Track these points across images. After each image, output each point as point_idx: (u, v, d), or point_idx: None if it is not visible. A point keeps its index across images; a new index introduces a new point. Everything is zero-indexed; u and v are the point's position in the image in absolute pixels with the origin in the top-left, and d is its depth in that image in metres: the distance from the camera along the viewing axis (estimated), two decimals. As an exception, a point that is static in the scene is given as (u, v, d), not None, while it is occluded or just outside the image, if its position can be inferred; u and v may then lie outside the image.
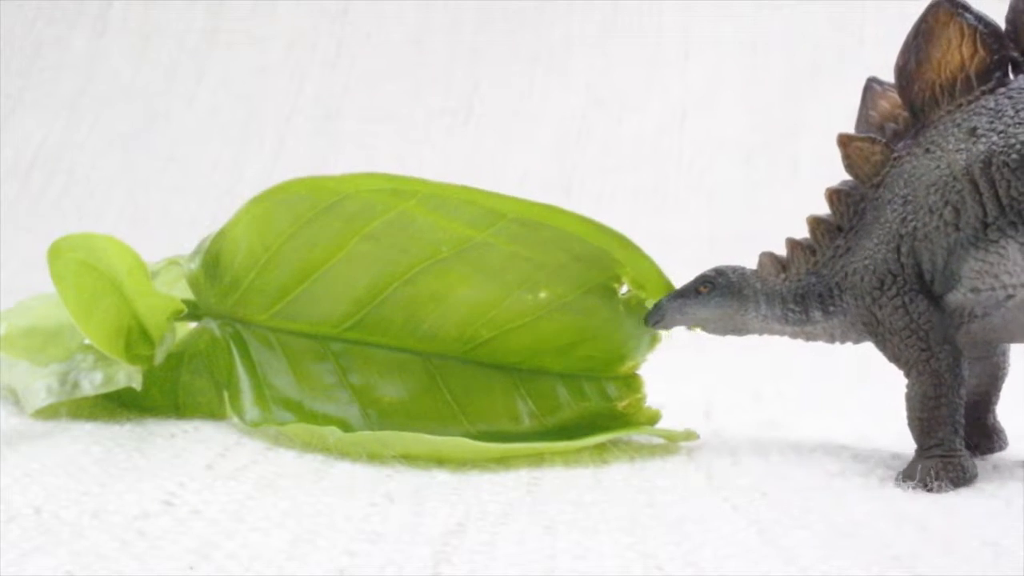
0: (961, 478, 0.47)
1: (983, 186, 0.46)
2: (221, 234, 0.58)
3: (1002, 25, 0.47)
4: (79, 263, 0.56)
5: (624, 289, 0.57)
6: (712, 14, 1.41)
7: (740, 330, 0.55)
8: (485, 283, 0.56)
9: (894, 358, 0.50)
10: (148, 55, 1.46)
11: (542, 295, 0.56)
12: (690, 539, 0.39)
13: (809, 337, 0.54)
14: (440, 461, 0.51)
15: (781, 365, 0.82)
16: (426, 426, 0.54)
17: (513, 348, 0.57)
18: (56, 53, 1.47)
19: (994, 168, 0.46)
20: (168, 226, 1.22)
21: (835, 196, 0.52)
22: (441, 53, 1.43)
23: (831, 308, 0.52)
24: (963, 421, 0.48)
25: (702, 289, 0.53)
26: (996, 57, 0.47)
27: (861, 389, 0.75)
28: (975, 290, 0.47)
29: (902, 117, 0.50)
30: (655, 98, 1.37)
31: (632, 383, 0.57)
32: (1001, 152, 0.45)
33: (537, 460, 0.52)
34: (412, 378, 0.57)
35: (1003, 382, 0.53)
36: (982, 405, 0.53)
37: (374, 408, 0.56)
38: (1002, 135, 0.45)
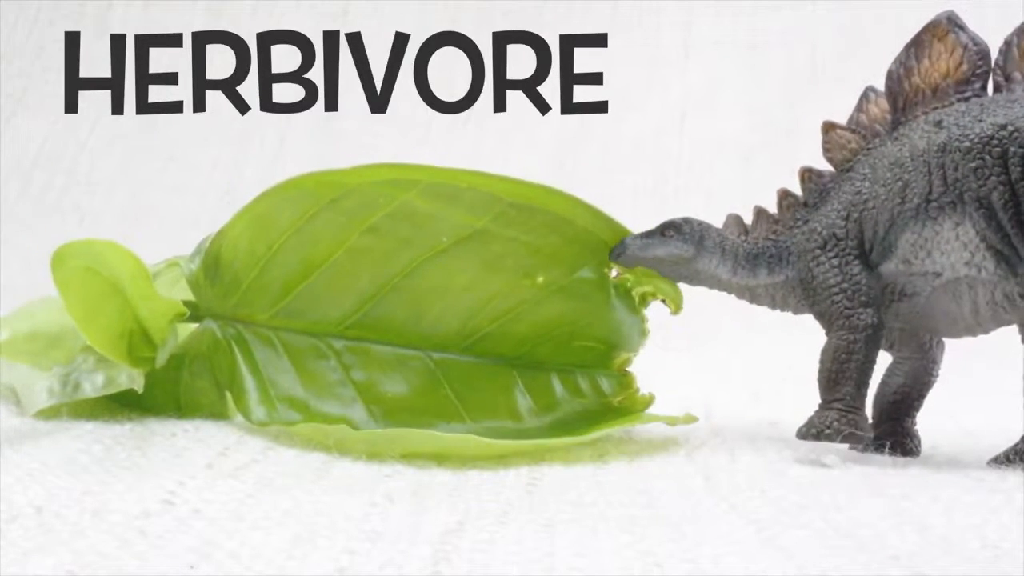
0: (854, 433, 0.50)
1: (934, 167, 0.50)
2: (221, 234, 0.58)
3: (993, 51, 0.51)
4: (83, 270, 0.56)
5: (614, 273, 0.58)
6: (712, 14, 1.41)
7: (691, 277, 0.57)
8: (485, 272, 0.57)
9: (819, 314, 0.53)
10: (148, 55, 1.46)
11: (539, 279, 0.57)
12: (689, 537, 0.39)
13: (752, 297, 0.57)
14: (445, 458, 0.51)
15: (781, 365, 0.82)
16: (429, 422, 0.55)
17: (512, 340, 0.57)
18: (57, 54, 1.47)
19: (947, 152, 0.49)
20: (168, 226, 1.22)
21: (807, 174, 0.56)
22: (441, 53, 1.43)
23: (776, 269, 0.55)
24: (868, 383, 0.52)
25: (667, 232, 0.56)
26: (979, 72, 0.50)
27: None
28: (907, 262, 0.51)
29: (887, 123, 0.53)
30: (655, 98, 1.37)
31: (624, 380, 0.58)
32: (956, 139, 0.49)
33: (536, 459, 0.52)
34: (414, 374, 0.57)
35: (928, 390, 0.56)
36: (904, 406, 0.55)
37: (378, 405, 0.56)
38: (961, 127, 0.49)
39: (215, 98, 1.44)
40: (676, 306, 0.58)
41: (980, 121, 0.49)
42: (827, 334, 0.53)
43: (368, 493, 0.45)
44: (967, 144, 0.49)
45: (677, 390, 0.62)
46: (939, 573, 0.35)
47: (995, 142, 0.48)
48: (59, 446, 0.51)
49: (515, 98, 1.39)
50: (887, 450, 0.54)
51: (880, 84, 0.55)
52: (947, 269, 0.50)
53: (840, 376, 0.51)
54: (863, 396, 0.52)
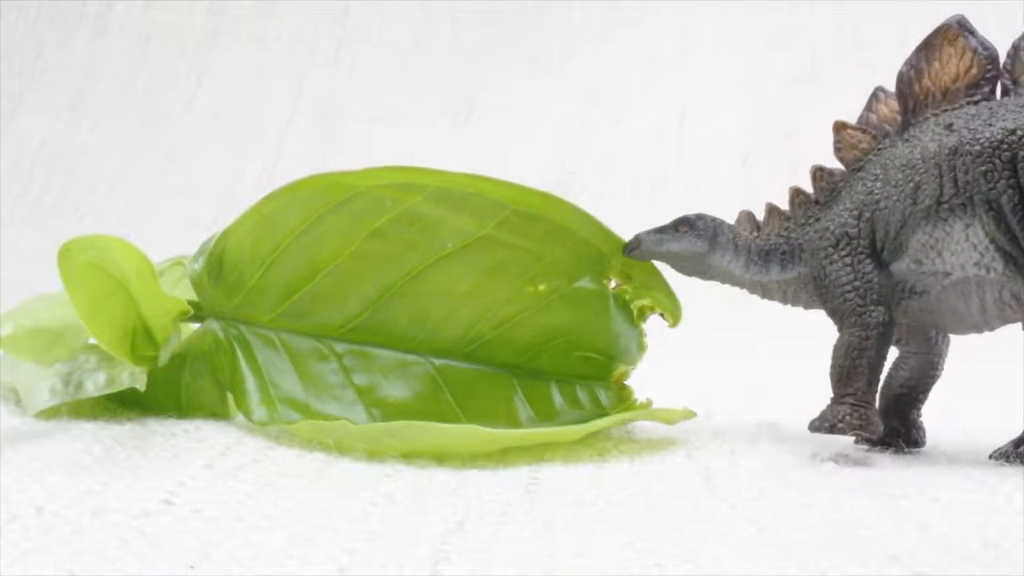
0: (866, 427, 0.51)
1: (945, 169, 0.51)
2: (225, 234, 0.58)
3: (1002, 55, 0.52)
4: (89, 265, 0.56)
5: (613, 284, 0.58)
6: (711, 14, 1.41)
7: (704, 272, 0.58)
8: (488, 278, 0.57)
9: (832, 311, 0.54)
10: (148, 55, 1.47)
11: (541, 287, 0.57)
12: (689, 538, 0.39)
13: (764, 292, 0.58)
14: (445, 458, 0.51)
15: (781, 365, 0.83)
16: None
17: (513, 347, 0.57)
18: (57, 54, 1.47)
19: (958, 156, 0.50)
20: (168, 226, 1.22)
21: (819, 173, 0.56)
22: (441, 53, 1.44)
23: (789, 265, 0.56)
24: (879, 379, 0.53)
25: (681, 228, 0.57)
26: (988, 76, 0.52)
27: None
28: (918, 262, 0.52)
29: (896, 123, 0.54)
30: (654, 98, 1.37)
31: (622, 393, 0.58)
32: (967, 143, 0.50)
33: (537, 458, 0.52)
34: (415, 379, 0.57)
35: (934, 383, 0.56)
36: (909, 399, 0.56)
37: (378, 409, 0.56)
38: (972, 131, 0.51)
39: (215, 98, 1.44)
40: (675, 319, 0.59)
41: (990, 125, 0.50)
42: (839, 330, 0.54)
43: (368, 493, 0.45)
44: (977, 148, 0.50)
45: (677, 389, 0.62)
46: (939, 573, 0.35)
47: (1004, 146, 0.49)
48: (59, 446, 0.51)
49: (514, 98, 1.39)
50: (896, 445, 0.55)
51: (881, 82, 0.56)
52: (956, 269, 0.51)
53: (852, 372, 0.52)
54: (874, 392, 0.53)
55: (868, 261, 0.53)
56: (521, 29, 1.44)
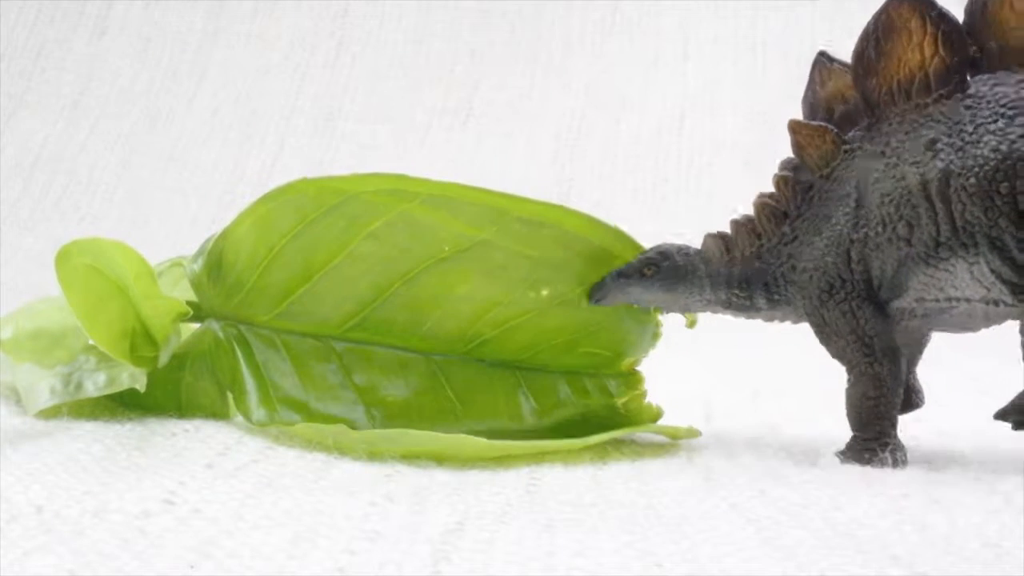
0: (895, 462, 0.50)
1: (939, 205, 0.47)
2: (224, 235, 0.58)
3: (961, 18, 0.47)
4: (87, 268, 0.56)
5: None
6: (711, 14, 1.41)
7: (684, 309, 0.56)
8: (487, 281, 0.56)
9: (837, 356, 0.52)
10: (148, 55, 1.47)
11: (544, 292, 0.57)
12: (689, 537, 0.39)
13: (749, 317, 0.55)
14: (445, 458, 0.51)
15: (781, 365, 0.83)
16: (430, 425, 0.55)
17: (515, 346, 0.57)
18: (57, 54, 1.47)
19: (952, 190, 0.47)
20: (168, 226, 1.23)
21: (783, 183, 0.52)
22: (441, 53, 1.44)
23: (776, 297, 0.53)
24: (896, 412, 0.51)
25: (647, 271, 0.54)
26: (956, 59, 0.47)
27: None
28: (920, 299, 0.49)
29: (852, 98, 0.50)
30: (654, 99, 1.37)
31: (632, 380, 0.58)
32: (959, 174, 0.46)
33: (537, 460, 0.52)
34: (415, 377, 0.57)
35: (925, 347, 0.55)
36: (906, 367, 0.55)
37: (379, 408, 0.56)
38: (960, 153, 0.46)
39: (215, 98, 1.44)
40: (691, 319, 0.58)
41: (977, 143, 0.46)
42: (848, 373, 0.52)
43: (368, 493, 0.45)
44: (973, 182, 0.46)
45: (678, 390, 0.62)
46: (939, 573, 0.35)
47: (1000, 175, 0.45)
48: (59, 446, 0.51)
49: (514, 98, 1.39)
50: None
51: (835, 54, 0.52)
52: (962, 302, 0.48)
53: (872, 417, 0.51)
54: (895, 424, 0.51)
55: (867, 305, 0.50)
56: (521, 29, 1.44)
